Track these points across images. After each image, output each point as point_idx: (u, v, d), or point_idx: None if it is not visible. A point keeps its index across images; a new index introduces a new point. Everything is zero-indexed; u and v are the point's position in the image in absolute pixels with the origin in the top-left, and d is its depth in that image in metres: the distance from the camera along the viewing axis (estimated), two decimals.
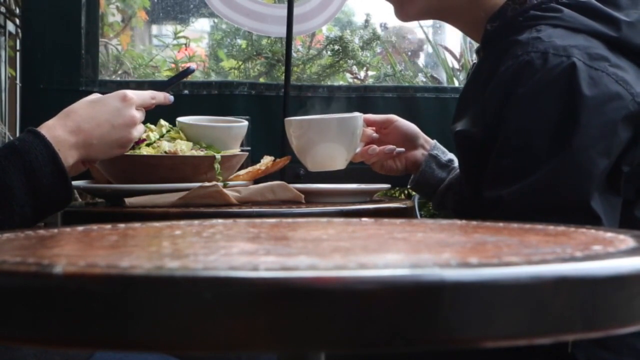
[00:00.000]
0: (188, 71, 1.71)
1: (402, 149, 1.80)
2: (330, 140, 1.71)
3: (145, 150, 1.69)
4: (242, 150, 1.82)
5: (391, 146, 1.79)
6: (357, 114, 1.75)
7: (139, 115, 1.49)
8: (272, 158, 1.85)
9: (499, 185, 1.36)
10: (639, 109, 1.36)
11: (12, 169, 1.30)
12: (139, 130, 1.49)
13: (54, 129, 1.39)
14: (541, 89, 1.35)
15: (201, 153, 1.71)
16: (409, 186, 1.84)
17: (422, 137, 1.83)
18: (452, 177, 1.79)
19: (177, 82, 1.77)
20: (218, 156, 1.68)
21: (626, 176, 1.37)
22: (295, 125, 1.76)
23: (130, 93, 1.48)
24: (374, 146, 1.79)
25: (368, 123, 1.80)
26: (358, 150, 1.77)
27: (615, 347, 1.39)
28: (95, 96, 1.49)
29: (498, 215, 1.34)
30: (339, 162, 1.74)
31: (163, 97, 1.55)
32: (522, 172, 1.34)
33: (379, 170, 1.83)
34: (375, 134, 1.80)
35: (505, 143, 1.37)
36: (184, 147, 1.71)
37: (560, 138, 1.33)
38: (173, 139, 1.74)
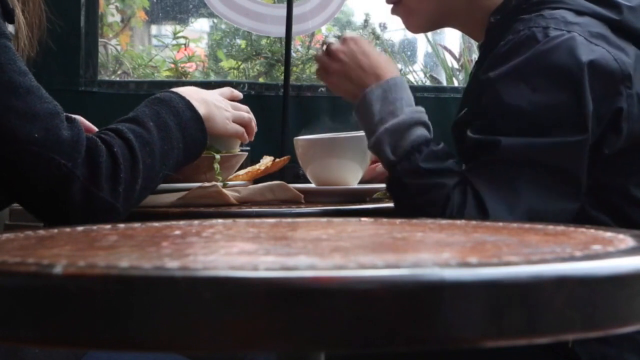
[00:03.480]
0: None
1: None
2: (341, 158, 1.70)
3: None
4: (241, 150, 1.82)
5: None
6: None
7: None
8: (272, 158, 1.84)
9: (498, 132, 1.37)
10: (627, 93, 1.38)
11: (164, 112, 1.47)
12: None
13: (174, 89, 1.56)
14: (541, 56, 1.38)
15: None
16: None
17: None
18: None
19: None
20: (217, 156, 1.68)
21: (610, 158, 1.40)
22: (304, 145, 1.74)
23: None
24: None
25: None
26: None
27: (617, 342, 1.40)
28: None
29: (485, 157, 1.37)
30: (350, 182, 1.73)
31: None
32: (524, 131, 1.36)
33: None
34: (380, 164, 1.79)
35: (501, 103, 1.39)
36: None
37: (567, 111, 1.36)
38: None
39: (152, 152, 1.40)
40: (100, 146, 1.33)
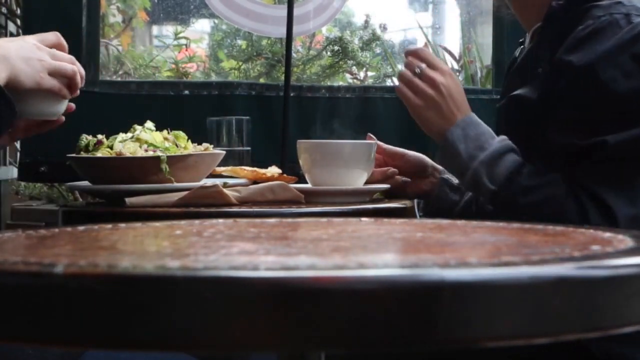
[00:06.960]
0: None
1: (408, 179, 1.82)
2: (342, 167, 1.70)
3: (100, 153, 1.66)
4: (242, 150, 1.82)
5: (405, 178, 1.82)
6: (372, 141, 1.73)
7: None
8: (280, 172, 1.82)
9: (601, 130, 1.39)
10: None
11: None
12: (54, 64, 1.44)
13: None
14: (630, 43, 1.39)
15: (151, 154, 1.66)
16: (421, 213, 1.85)
17: (431, 165, 1.83)
18: (467, 199, 1.79)
19: None
20: (163, 156, 1.63)
21: None
22: (308, 148, 1.74)
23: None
24: (392, 169, 1.79)
25: (378, 150, 1.78)
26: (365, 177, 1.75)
27: (630, 341, 1.40)
28: None
29: (596, 159, 1.39)
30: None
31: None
32: (627, 121, 1.38)
33: (387, 197, 1.84)
34: (392, 169, 1.80)
35: (591, 95, 1.40)
36: (131, 148, 1.65)
37: None
38: (138, 140, 1.69)
39: None
40: None
